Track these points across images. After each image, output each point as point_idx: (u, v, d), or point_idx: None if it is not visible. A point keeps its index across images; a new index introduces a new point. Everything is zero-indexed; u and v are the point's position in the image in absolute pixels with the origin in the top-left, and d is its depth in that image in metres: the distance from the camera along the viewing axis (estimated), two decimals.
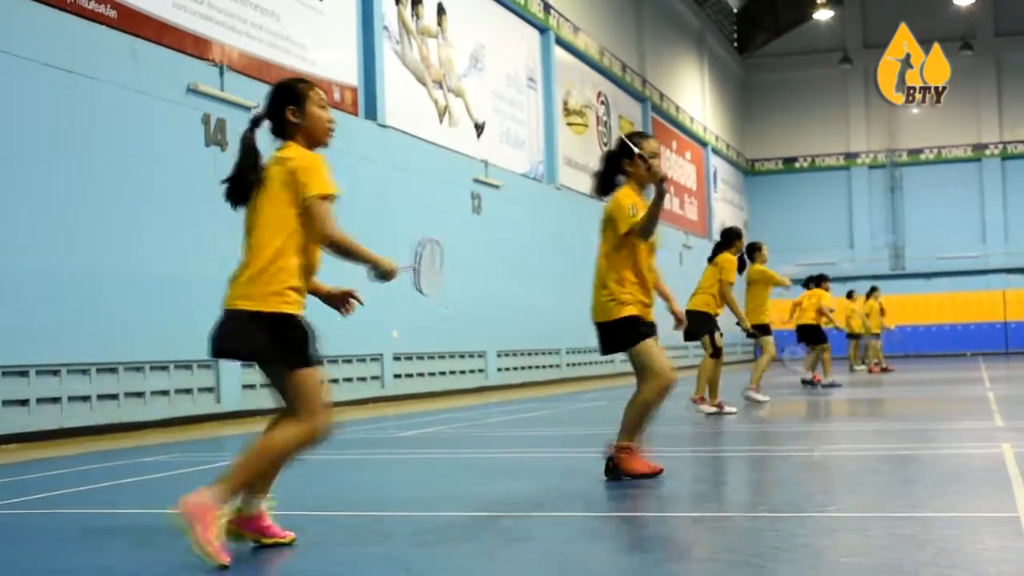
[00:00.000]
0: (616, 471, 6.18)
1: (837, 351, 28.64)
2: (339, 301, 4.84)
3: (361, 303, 4.87)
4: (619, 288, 6.32)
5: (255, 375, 13.38)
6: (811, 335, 17.13)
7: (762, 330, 13.04)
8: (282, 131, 4.51)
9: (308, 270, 4.54)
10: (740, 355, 36.04)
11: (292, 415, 4.50)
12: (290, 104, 4.49)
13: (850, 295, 25.32)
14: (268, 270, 4.38)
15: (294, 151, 4.40)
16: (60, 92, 10.81)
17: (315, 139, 4.51)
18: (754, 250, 13.44)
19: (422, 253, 4.78)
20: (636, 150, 6.41)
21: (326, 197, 4.30)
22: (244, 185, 4.53)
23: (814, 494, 5.81)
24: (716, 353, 11.15)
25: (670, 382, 6.30)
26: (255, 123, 4.51)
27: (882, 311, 24.50)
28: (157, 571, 4.13)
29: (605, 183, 6.50)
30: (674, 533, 4.79)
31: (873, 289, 24.86)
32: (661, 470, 6.24)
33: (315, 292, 4.74)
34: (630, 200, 6.35)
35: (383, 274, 4.51)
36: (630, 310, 6.29)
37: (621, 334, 6.30)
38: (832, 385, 16.78)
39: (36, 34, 10.61)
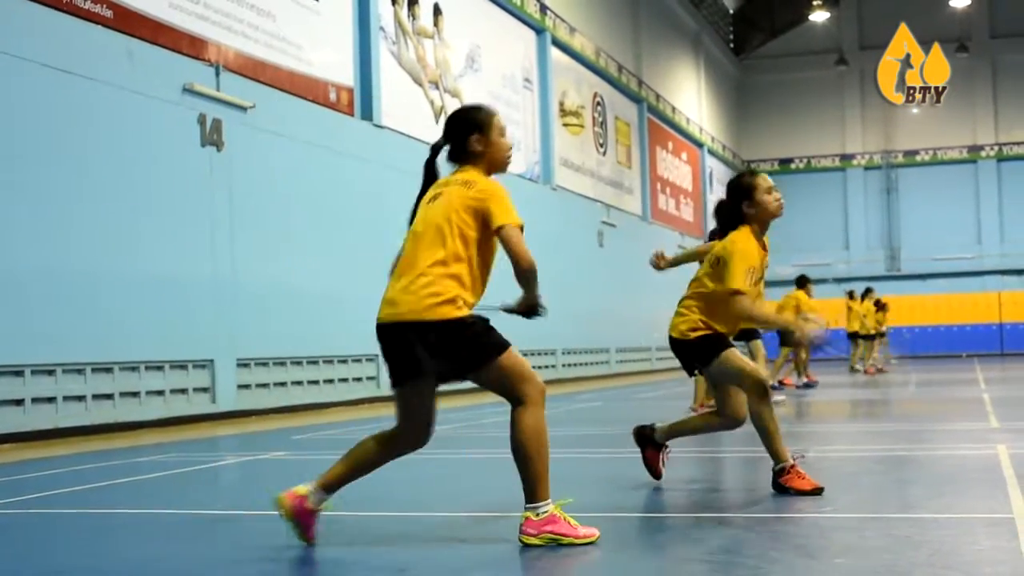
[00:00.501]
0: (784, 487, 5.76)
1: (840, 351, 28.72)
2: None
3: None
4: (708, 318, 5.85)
5: (250, 375, 13.38)
6: (783, 336, 17.08)
7: (750, 333, 13.01)
8: (462, 158, 4.55)
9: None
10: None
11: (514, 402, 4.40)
12: (475, 132, 4.51)
13: (851, 295, 25.42)
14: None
15: (475, 175, 4.48)
16: (56, 92, 10.80)
17: (496, 167, 4.59)
18: None
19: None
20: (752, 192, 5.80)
21: (519, 225, 4.43)
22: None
23: (809, 495, 5.81)
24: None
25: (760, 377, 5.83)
26: (436, 150, 4.60)
27: (883, 307, 24.61)
28: (153, 570, 4.13)
29: (727, 225, 5.86)
30: (670, 534, 4.79)
31: (868, 290, 24.88)
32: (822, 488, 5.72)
33: None
34: (753, 259, 5.67)
35: (536, 309, 4.64)
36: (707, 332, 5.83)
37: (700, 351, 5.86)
38: (807, 385, 16.73)
39: (32, 34, 10.60)
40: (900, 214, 39.87)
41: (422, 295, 4.31)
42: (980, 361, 30.26)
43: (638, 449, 6.33)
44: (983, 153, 39.23)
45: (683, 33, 34.99)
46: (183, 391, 12.28)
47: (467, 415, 13.16)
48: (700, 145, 36.49)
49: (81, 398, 10.94)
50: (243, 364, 13.20)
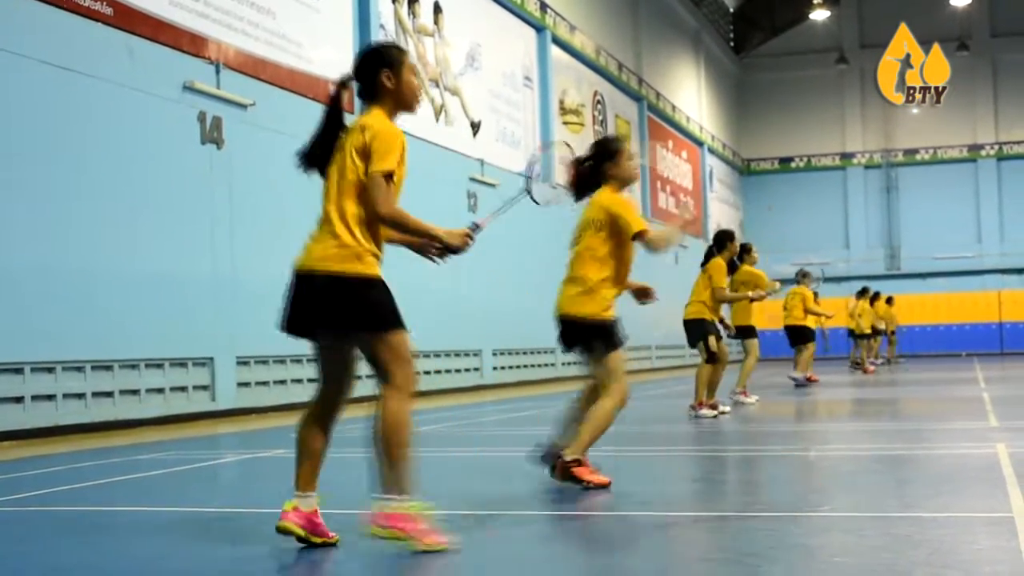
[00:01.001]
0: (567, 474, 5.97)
1: (843, 350, 28.76)
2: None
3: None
4: (608, 291, 6.19)
5: (250, 373, 13.38)
6: (796, 335, 17.08)
7: (747, 332, 13.04)
8: (373, 95, 4.45)
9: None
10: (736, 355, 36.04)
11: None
12: (385, 68, 4.42)
13: (876, 296, 25.62)
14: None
15: (373, 119, 4.35)
16: (56, 89, 10.80)
17: (405, 105, 4.48)
18: (744, 252, 13.47)
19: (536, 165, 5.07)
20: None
21: (386, 173, 4.23)
22: (325, 151, 4.49)
23: (808, 494, 5.82)
24: (711, 358, 11.16)
25: (627, 396, 6.13)
26: (343, 85, 4.49)
27: (886, 300, 24.70)
28: (153, 568, 4.13)
29: (588, 184, 6.28)
30: (668, 532, 4.79)
31: (864, 290, 24.83)
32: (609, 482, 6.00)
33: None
34: (628, 204, 6.18)
35: (453, 248, 4.47)
36: (613, 314, 6.19)
37: (604, 337, 6.11)
38: (800, 384, 16.70)
39: (32, 31, 10.60)
40: (900, 213, 39.87)
41: (328, 246, 4.26)
42: (980, 360, 30.27)
43: (572, 482, 5.99)
44: (983, 152, 39.22)
45: (683, 31, 34.98)
46: (183, 389, 12.28)
47: (466, 413, 13.16)
48: (700, 144, 36.48)
49: (81, 396, 10.94)
50: (243, 362, 13.20)
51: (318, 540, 4.37)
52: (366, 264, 4.25)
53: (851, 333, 23.98)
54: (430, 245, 4.48)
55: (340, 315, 4.26)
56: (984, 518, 4.72)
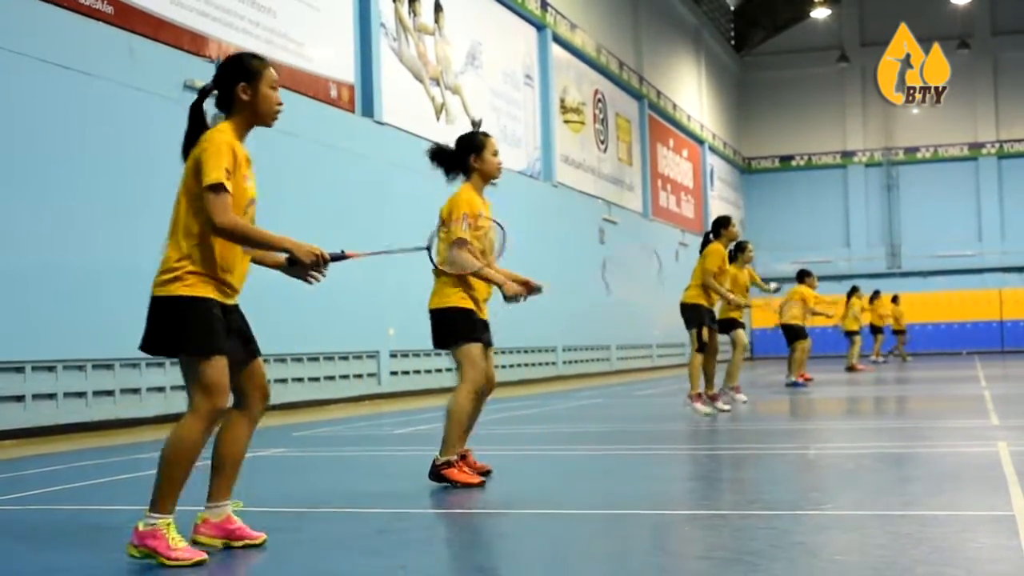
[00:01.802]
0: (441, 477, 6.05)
1: (839, 348, 28.74)
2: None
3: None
4: (451, 285, 6.14)
5: None
6: (789, 334, 17.00)
7: (731, 324, 12.92)
8: (229, 105, 4.40)
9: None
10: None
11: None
12: (242, 80, 4.36)
13: (876, 294, 25.57)
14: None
15: (216, 132, 4.33)
16: (57, 88, 10.80)
17: (261, 119, 4.41)
18: (738, 251, 13.44)
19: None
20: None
21: (213, 184, 4.18)
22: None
23: (809, 492, 5.82)
24: (701, 347, 11.08)
25: (484, 386, 6.10)
26: (203, 94, 4.42)
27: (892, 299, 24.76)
28: (154, 567, 4.13)
29: (452, 166, 6.25)
30: (669, 531, 4.79)
31: (854, 289, 24.73)
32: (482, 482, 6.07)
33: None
34: (467, 207, 6.10)
35: (302, 262, 4.37)
36: (466, 303, 6.13)
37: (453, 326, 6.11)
38: (795, 384, 16.64)
39: (33, 30, 10.60)
40: (901, 211, 39.85)
41: (160, 270, 4.27)
42: (981, 358, 30.27)
43: (451, 483, 6.04)
44: (984, 150, 39.20)
45: (684, 30, 34.97)
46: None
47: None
48: (701, 142, 36.47)
49: (82, 394, 10.94)
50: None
51: (238, 544, 4.37)
52: (187, 285, 4.20)
53: (848, 333, 23.90)
54: (302, 265, 4.40)
55: (152, 337, 4.32)
56: (985, 516, 4.72)
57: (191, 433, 4.17)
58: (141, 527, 4.11)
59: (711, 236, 11.50)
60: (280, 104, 4.43)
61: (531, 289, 6.29)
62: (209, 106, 4.47)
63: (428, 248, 5.37)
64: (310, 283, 4.54)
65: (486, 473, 6.35)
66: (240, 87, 4.35)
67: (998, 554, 3.92)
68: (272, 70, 4.42)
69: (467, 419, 6.11)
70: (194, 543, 4.29)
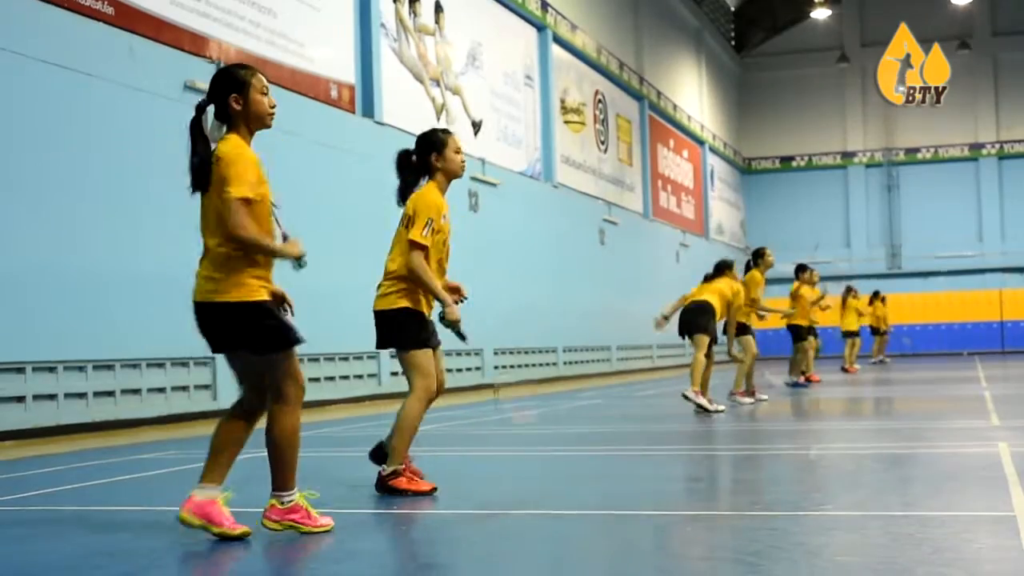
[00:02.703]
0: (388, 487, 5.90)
1: (829, 349, 28.73)
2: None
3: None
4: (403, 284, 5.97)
5: None
6: (792, 334, 16.88)
7: (742, 329, 12.98)
8: (226, 119, 4.62)
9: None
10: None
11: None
12: (233, 92, 4.59)
13: (876, 295, 25.50)
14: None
15: (227, 146, 4.56)
16: (57, 89, 10.80)
17: (257, 125, 4.68)
18: (757, 256, 13.62)
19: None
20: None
21: (241, 198, 4.44)
22: (206, 172, 4.59)
23: (810, 492, 5.82)
24: (707, 355, 11.26)
25: (433, 393, 5.95)
26: (200, 110, 4.61)
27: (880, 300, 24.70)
28: (155, 566, 4.13)
29: (410, 185, 6.09)
30: (669, 531, 4.79)
31: (848, 289, 24.62)
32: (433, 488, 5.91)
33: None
34: (434, 211, 5.92)
35: (293, 257, 4.64)
36: (417, 305, 5.97)
37: (401, 330, 5.97)
38: (796, 385, 16.64)
39: (34, 31, 10.60)
40: (901, 212, 39.84)
41: (203, 277, 4.55)
42: (981, 359, 30.26)
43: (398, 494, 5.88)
44: (984, 151, 39.20)
45: (684, 30, 34.97)
46: (184, 388, 12.29)
47: (467, 413, 13.16)
48: (701, 143, 36.47)
49: (82, 395, 10.94)
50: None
51: (216, 530, 4.49)
52: (243, 290, 4.52)
53: (845, 333, 23.74)
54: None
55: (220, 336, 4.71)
56: (986, 517, 4.72)
57: (294, 422, 4.59)
58: (280, 505, 4.56)
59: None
60: (273, 107, 4.70)
61: (460, 299, 6.16)
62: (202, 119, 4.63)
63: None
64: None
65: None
66: (232, 98, 4.60)
67: (999, 554, 3.92)
68: (260, 76, 4.68)
69: (417, 427, 5.94)
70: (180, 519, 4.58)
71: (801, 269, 17.30)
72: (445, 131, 6.29)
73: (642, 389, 18.68)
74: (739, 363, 12.88)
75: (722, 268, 11.90)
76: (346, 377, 15.15)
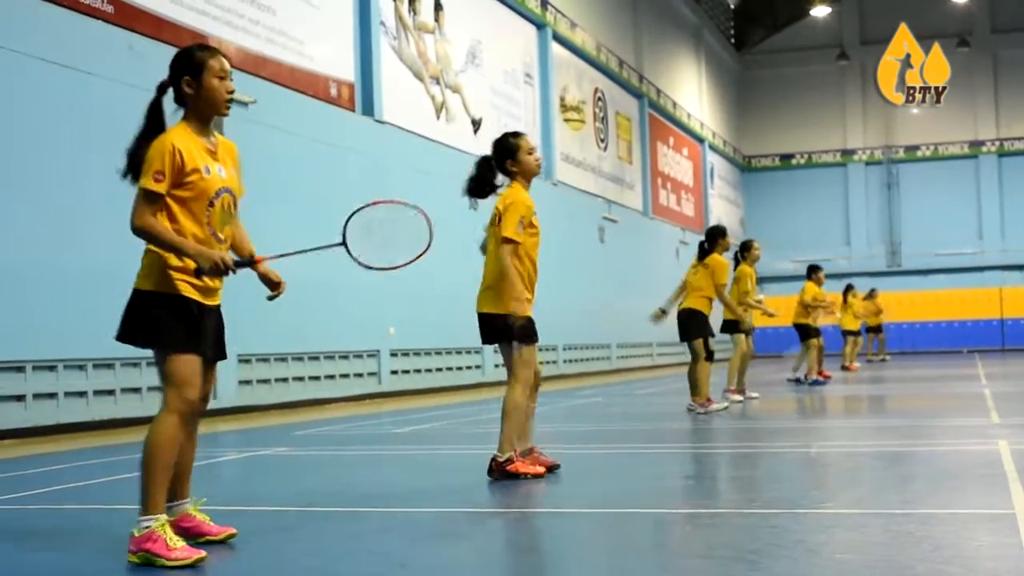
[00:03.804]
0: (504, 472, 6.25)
1: (830, 347, 28.72)
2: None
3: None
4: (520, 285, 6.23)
5: (251, 371, 13.39)
6: (799, 332, 16.93)
7: (731, 326, 12.92)
8: (181, 102, 4.43)
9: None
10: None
11: None
12: (186, 74, 4.36)
13: (872, 292, 25.49)
14: None
15: (167, 132, 4.40)
16: (57, 87, 10.80)
17: (210, 111, 4.42)
18: (744, 249, 13.58)
19: (350, 225, 4.63)
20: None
21: (144, 190, 4.30)
22: (136, 160, 4.50)
23: (809, 490, 5.82)
24: (710, 356, 11.15)
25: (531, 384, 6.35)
26: (160, 90, 4.42)
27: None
28: (155, 565, 4.13)
29: (486, 186, 6.39)
30: (669, 529, 4.80)
31: (849, 287, 24.62)
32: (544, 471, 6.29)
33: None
34: (524, 209, 6.24)
35: (208, 269, 4.35)
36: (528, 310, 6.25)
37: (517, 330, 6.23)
38: (798, 381, 16.65)
39: (33, 29, 10.60)
40: (901, 209, 39.85)
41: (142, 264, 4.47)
42: (981, 357, 30.27)
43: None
44: (984, 148, 39.20)
45: (684, 28, 34.97)
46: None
47: (468, 411, 13.16)
48: (701, 140, 36.47)
49: (82, 394, 10.94)
50: (244, 360, 13.20)
51: (202, 539, 4.39)
52: (150, 280, 4.44)
53: (845, 332, 23.73)
54: (204, 271, 4.40)
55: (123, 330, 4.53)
56: (986, 515, 4.72)
57: (168, 429, 4.22)
58: (136, 533, 4.11)
59: (707, 246, 11.44)
60: (231, 92, 4.40)
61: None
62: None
63: (344, 243, 4.74)
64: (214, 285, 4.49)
65: (553, 468, 6.49)
66: (184, 81, 4.37)
67: (998, 552, 3.92)
68: (220, 59, 4.37)
69: (524, 414, 6.29)
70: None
71: (814, 270, 17.48)
72: (516, 135, 6.50)
73: (642, 387, 18.68)
74: (732, 357, 12.85)
75: (715, 236, 11.56)
76: (346, 375, 15.15)
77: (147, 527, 4.08)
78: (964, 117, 38.80)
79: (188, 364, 4.28)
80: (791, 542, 4.20)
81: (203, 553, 4.09)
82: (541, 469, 6.27)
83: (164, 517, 4.14)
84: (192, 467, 4.52)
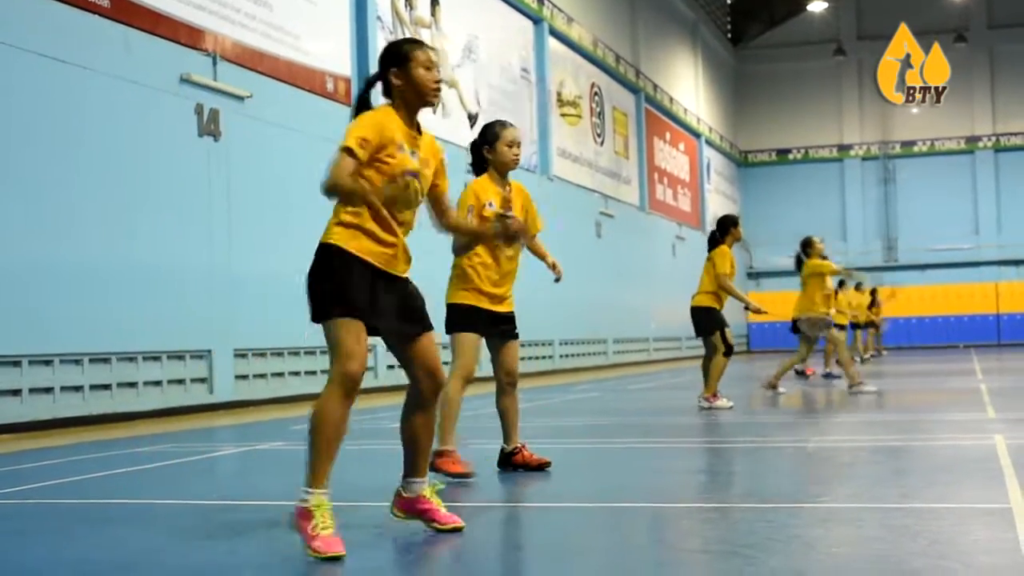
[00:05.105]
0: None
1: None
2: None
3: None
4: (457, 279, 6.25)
5: (248, 365, 13.38)
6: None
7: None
8: (388, 92, 4.42)
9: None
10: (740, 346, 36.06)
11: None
12: (393, 66, 4.38)
13: (858, 287, 25.43)
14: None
15: (375, 110, 4.33)
16: (52, 82, 10.78)
17: (418, 101, 4.39)
18: (806, 246, 13.55)
19: None
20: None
21: (344, 148, 4.13)
22: None
23: (806, 485, 5.83)
24: (729, 351, 11.04)
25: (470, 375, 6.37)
26: (368, 84, 4.45)
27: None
28: (151, 561, 4.13)
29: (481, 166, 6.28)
30: (666, 524, 4.80)
31: (842, 283, 24.60)
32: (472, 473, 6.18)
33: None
34: (471, 198, 6.13)
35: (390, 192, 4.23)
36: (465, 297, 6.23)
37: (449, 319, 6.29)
38: (802, 375, 16.62)
39: (29, 23, 10.57)
40: (897, 205, 39.87)
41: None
42: (977, 351, 30.29)
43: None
44: (981, 144, 39.22)
45: (680, 23, 34.95)
46: (180, 381, 12.28)
47: (464, 406, 13.15)
48: (698, 135, 36.47)
49: (79, 388, 10.93)
50: (240, 354, 13.20)
51: (433, 525, 4.43)
52: (329, 232, 4.30)
53: (853, 325, 23.72)
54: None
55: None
56: (982, 509, 4.73)
57: (327, 403, 4.33)
58: (298, 503, 4.06)
59: (718, 235, 11.36)
60: (437, 82, 4.39)
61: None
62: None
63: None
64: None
65: (543, 466, 6.39)
66: (392, 73, 4.37)
67: (994, 546, 3.93)
68: (426, 51, 4.42)
69: (452, 409, 6.29)
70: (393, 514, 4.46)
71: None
72: (503, 124, 6.31)
73: (638, 382, 18.69)
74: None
75: (727, 226, 11.41)
76: None
77: (305, 502, 4.04)
78: (961, 112, 38.81)
79: (350, 331, 4.18)
80: (787, 536, 4.20)
81: (342, 551, 3.94)
82: (460, 468, 6.14)
83: (324, 496, 4.05)
84: (428, 446, 4.49)
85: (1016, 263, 38.30)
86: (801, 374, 16.96)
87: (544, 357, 22.27)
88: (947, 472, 5.94)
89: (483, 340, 6.33)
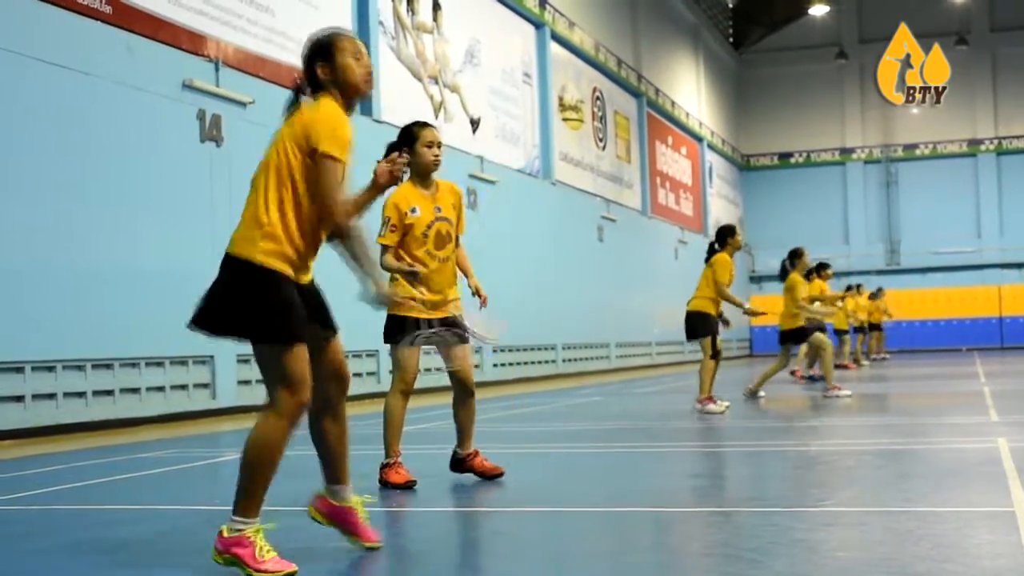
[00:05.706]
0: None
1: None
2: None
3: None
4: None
5: (251, 370, 13.38)
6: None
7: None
8: (317, 89, 4.24)
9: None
10: (736, 351, 36.06)
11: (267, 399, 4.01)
12: (319, 59, 4.22)
13: (857, 288, 25.42)
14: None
15: (312, 106, 4.15)
16: (55, 88, 10.79)
17: (351, 93, 4.24)
18: (795, 256, 13.65)
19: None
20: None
21: (329, 155, 4.01)
22: None
23: (810, 489, 5.82)
24: (715, 355, 11.14)
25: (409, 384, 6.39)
26: (298, 89, 4.26)
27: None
28: (155, 565, 4.13)
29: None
30: (669, 528, 4.80)
31: (849, 287, 24.57)
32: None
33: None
34: (389, 209, 6.08)
35: (377, 299, 4.25)
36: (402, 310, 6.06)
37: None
38: (810, 378, 16.61)
39: (31, 30, 10.59)
40: (900, 208, 39.85)
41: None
42: (980, 355, 30.27)
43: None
44: (983, 147, 39.21)
45: (682, 27, 34.97)
46: (183, 387, 12.28)
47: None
48: (699, 139, 36.47)
49: (81, 394, 10.94)
50: (243, 360, 13.20)
51: (352, 538, 4.32)
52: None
53: (837, 331, 23.61)
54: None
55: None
56: (985, 512, 4.72)
57: (275, 432, 3.97)
58: (226, 532, 3.87)
59: (716, 246, 11.44)
60: (369, 71, 4.29)
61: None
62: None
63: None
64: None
65: (497, 475, 6.30)
66: (319, 67, 4.26)
67: (998, 550, 3.92)
68: (354, 40, 4.35)
69: (395, 420, 6.34)
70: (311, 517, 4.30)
71: (822, 267, 17.36)
72: (420, 124, 6.28)
73: (641, 386, 18.68)
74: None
75: (724, 236, 11.48)
76: None
77: (239, 530, 3.86)
78: (963, 116, 38.80)
79: (293, 356, 4.00)
80: (791, 540, 4.20)
81: (294, 567, 3.83)
82: (404, 479, 6.05)
83: (258, 524, 3.90)
84: (345, 451, 4.37)
85: (1019, 266, 38.27)
86: (811, 379, 16.90)
87: (547, 362, 22.26)
88: (950, 476, 5.94)
89: (420, 349, 6.25)
